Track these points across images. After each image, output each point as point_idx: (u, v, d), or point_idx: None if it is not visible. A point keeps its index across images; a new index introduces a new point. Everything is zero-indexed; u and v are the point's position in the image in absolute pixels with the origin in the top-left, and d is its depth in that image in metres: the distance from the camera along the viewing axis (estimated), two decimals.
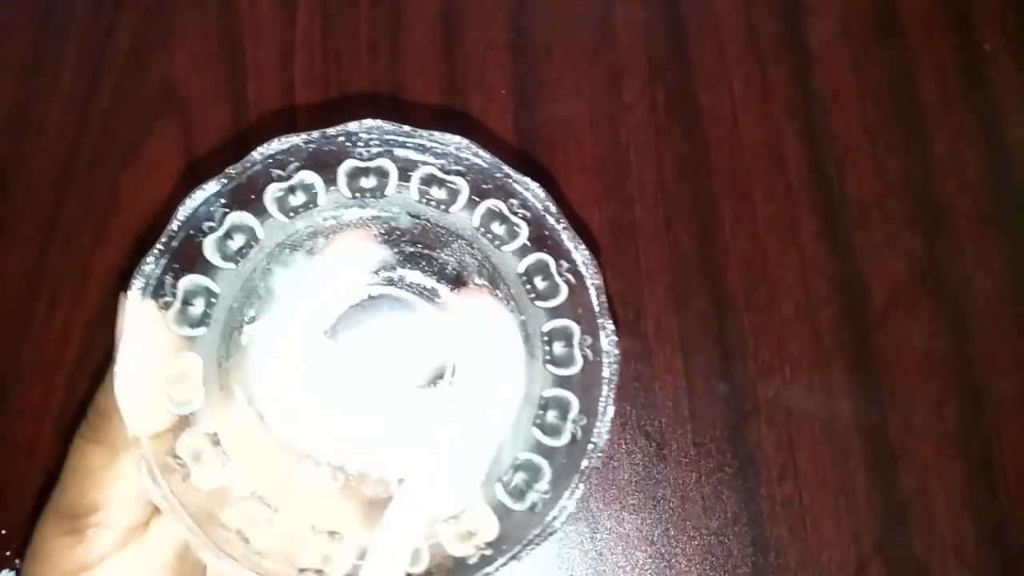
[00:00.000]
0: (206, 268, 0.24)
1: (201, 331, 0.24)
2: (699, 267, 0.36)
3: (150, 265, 0.23)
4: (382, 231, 0.26)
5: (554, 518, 0.23)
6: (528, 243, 0.25)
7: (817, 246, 0.36)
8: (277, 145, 0.24)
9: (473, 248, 0.26)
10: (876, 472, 0.33)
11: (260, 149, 0.24)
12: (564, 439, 0.24)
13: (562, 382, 0.24)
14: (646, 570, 0.32)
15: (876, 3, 0.40)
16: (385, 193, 0.25)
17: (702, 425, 0.34)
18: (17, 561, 0.32)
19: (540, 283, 0.25)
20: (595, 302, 0.24)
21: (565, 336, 0.24)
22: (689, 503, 0.33)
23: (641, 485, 0.33)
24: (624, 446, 0.34)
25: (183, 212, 0.23)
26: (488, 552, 0.23)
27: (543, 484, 0.23)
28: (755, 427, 0.34)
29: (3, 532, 0.32)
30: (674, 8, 0.40)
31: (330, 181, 0.25)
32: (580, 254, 0.24)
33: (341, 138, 0.24)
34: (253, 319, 0.25)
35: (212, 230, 0.24)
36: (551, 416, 0.24)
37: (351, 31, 0.39)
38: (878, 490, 0.33)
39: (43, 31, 0.39)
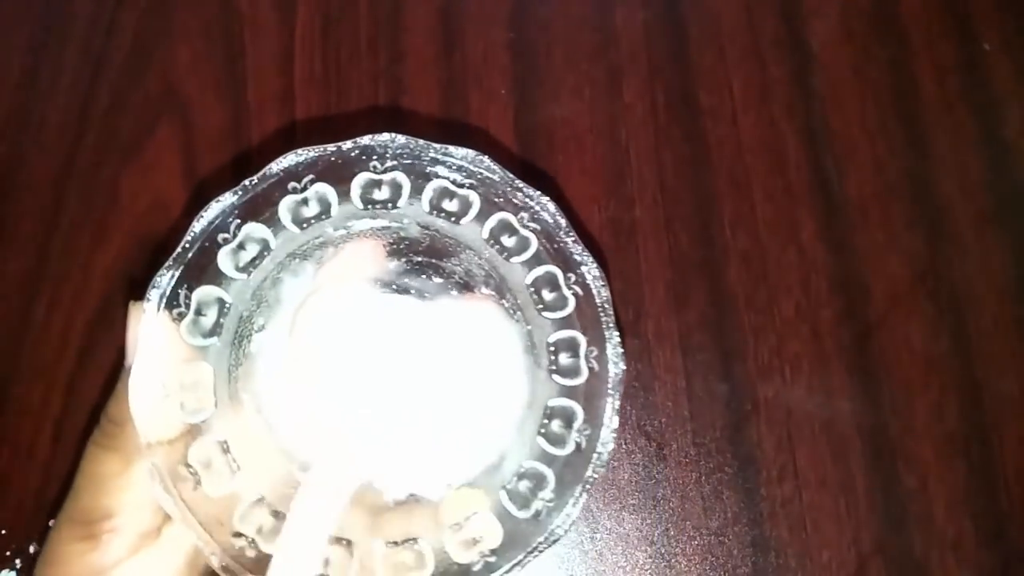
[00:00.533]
0: (219, 279, 0.24)
1: (212, 341, 0.24)
2: (699, 267, 0.36)
3: (164, 277, 0.23)
4: (391, 241, 0.26)
5: (558, 526, 0.23)
6: (537, 255, 0.25)
7: (817, 246, 0.36)
8: (294, 158, 0.24)
9: (481, 259, 0.26)
10: (876, 472, 0.33)
11: (277, 162, 0.24)
12: (568, 448, 0.24)
13: (567, 392, 0.25)
14: (646, 570, 0.32)
15: (876, 3, 0.40)
16: (397, 205, 0.25)
17: (702, 425, 0.34)
18: (17, 561, 0.32)
19: (548, 295, 0.25)
20: (602, 315, 0.24)
21: (571, 347, 0.25)
22: (689, 503, 0.33)
23: (641, 485, 0.33)
24: (624, 446, 0.34)
25: (199, 224, 0.24)
26: (492, 559, 0.23)
27: (547, 492, 0.24)
28: (755, 427, 0.34)
29: (3, 532, 0.32)
30: (674, 8, 0.40)
31: (343, 193, 0.25)
32: (589, 268, 0.25)
33: (356, 152, 0.25)
34: (263, 327, 0.25)
35: (226, 241, 0.24)
36: (556, 425, 0.24)
37: (351, 31, 0.39)
38: (878, 490, 0.33)
39: (43, 31, 0.39)
